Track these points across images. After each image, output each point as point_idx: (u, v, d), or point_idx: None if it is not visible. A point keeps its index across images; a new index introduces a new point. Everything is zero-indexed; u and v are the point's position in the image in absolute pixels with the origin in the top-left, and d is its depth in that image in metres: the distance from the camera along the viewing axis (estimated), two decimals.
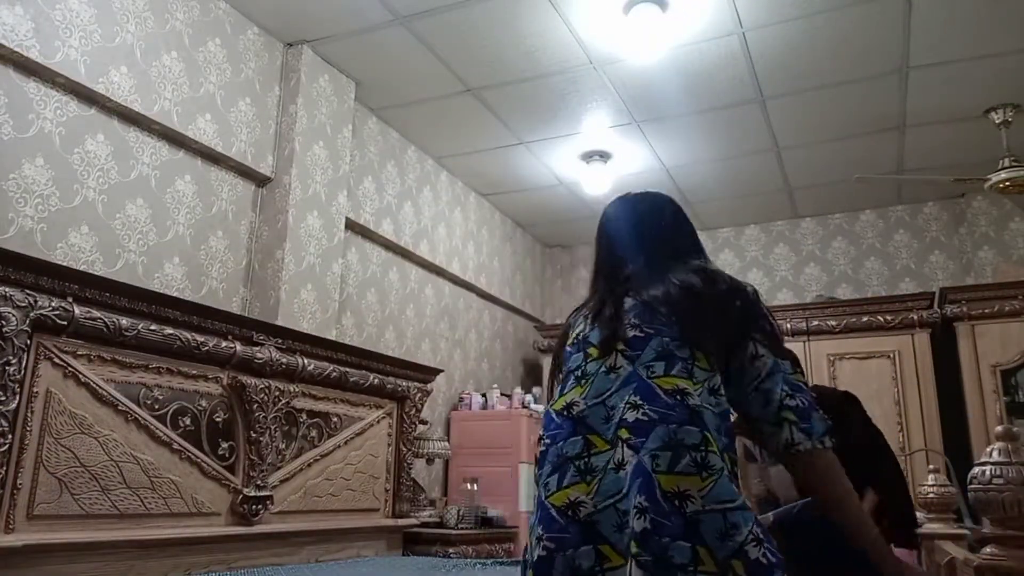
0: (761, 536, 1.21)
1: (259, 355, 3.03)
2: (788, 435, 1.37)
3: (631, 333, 1.43)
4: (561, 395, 1.47)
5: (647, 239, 1.62)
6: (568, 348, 1.55)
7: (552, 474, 1.36)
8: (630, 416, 1.31)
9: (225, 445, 2.92)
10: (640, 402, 1.32)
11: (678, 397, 1.31)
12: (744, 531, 1.20)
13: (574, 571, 1.26)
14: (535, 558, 1.31)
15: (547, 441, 1.42)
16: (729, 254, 6.30)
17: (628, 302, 1.49)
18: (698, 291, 1.46)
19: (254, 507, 2.97)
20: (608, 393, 1.38)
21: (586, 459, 1.32)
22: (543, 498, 1.35)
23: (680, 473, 1.23)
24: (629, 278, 1.55)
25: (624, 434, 1.30)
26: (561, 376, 1.53)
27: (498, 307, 6.14)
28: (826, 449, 1.38)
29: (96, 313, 2.42)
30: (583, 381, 1.43)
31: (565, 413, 1.42)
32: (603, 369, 1.42)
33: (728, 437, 1.34)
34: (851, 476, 1.43)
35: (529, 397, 5.41)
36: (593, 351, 1.46)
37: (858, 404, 2.91)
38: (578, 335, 1.54)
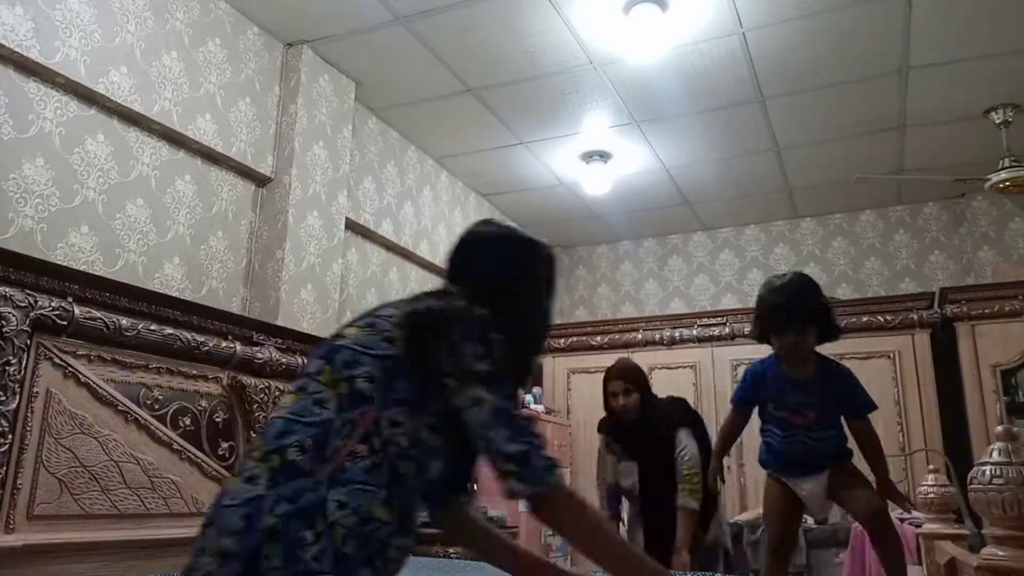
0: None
1: (259, 355, 3.04)
2: (508, 487, 1.21)
3: None
4: None
5: None
6: None
7: None
8: None
9: (225, 445, 2.92)
10: None
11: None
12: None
13: None
14: None
15: None
16: (729, 254, 6.29)
17: None
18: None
19: None
20: None
21: None
22: None
23: None
24: None
25: None
26: None
27: None
28: (552, 488, 1.21)
29: (96, 313, 2.42)
30: None
31: None
32: None
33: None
34: None
35: (529, 397, 5.40)
36: None
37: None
38: None
